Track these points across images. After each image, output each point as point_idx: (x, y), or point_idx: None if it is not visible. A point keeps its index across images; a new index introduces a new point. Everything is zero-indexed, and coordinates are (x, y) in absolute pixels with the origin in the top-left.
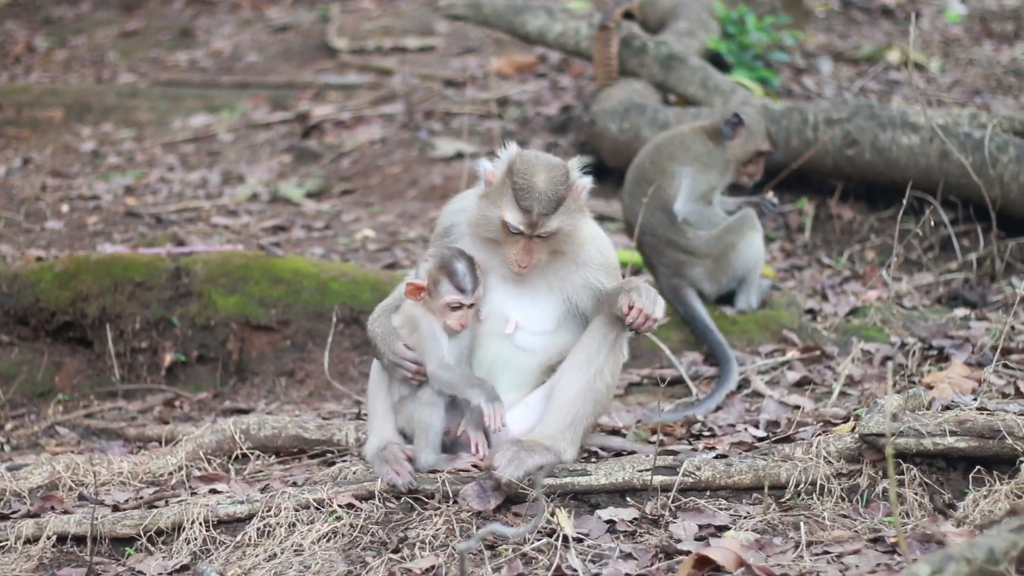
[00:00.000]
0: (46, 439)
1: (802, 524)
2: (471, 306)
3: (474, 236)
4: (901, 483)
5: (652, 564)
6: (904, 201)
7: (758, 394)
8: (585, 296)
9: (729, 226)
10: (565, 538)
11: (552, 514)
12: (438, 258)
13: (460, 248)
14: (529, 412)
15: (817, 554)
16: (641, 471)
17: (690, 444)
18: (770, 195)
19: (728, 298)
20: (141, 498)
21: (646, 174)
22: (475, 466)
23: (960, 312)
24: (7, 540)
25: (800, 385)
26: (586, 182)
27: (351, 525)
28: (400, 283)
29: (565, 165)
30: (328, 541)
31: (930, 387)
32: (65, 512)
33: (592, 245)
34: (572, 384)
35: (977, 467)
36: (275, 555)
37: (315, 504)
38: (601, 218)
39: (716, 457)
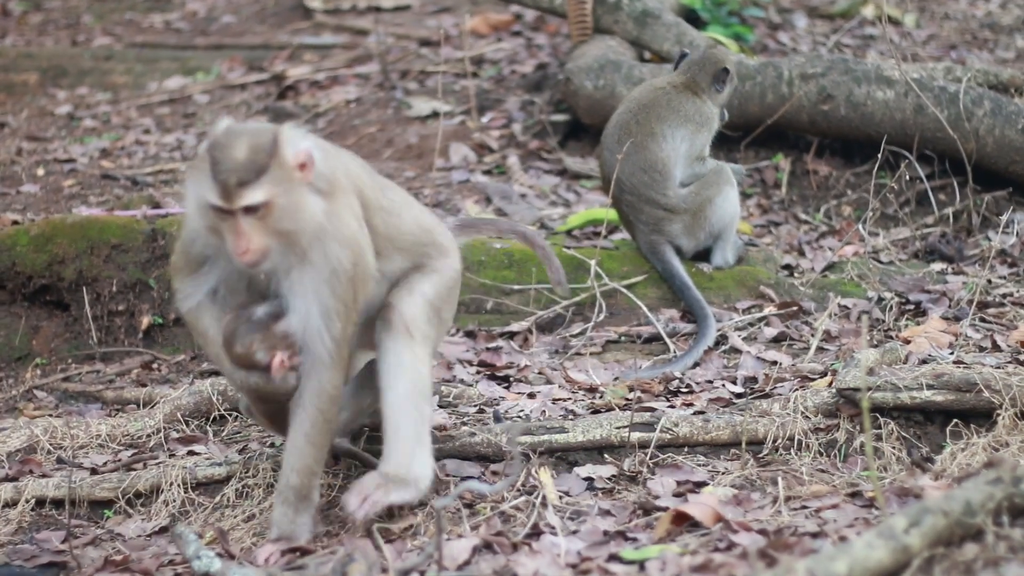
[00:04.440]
0: (24, 403)
1: (780, 479)
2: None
3: (204, 232)
4: (878, 437)
5: (630, 520)
6: (880, 156)
7: (736, 350)
8: (315, 312)
9: (705, 181)
10: (543, 495)
11: (536, 471)
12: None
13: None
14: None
15: (795, 509)
16: (619, 428)
17: (668, 401)
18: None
19: (704, 255)
20: (119, 461)
21: (632, 135)
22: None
23: (937, 266)
24: None
25: (777, 341)
26: (306, 150)
27: (329, 485)
28: None
29: (274, 131)
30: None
31: (907, 341)
32: (43, 476)
33: (325, 237)
34: (399, 413)
35: (954, 420)
36: (253, 516)
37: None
38: (577, 176)
39: (694, 413)
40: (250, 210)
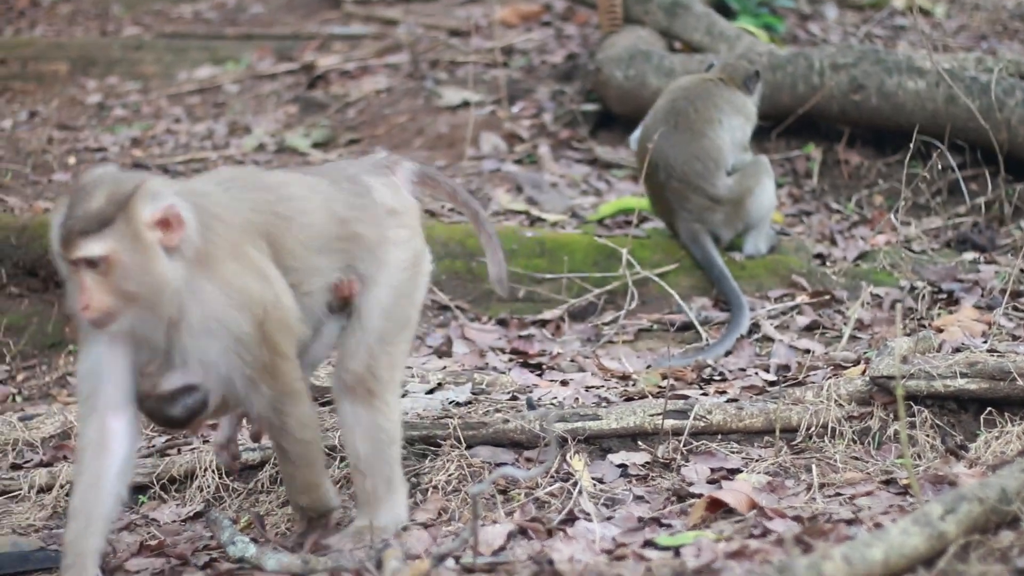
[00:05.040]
0: (57, 389)
1: (814, 467)
2: None
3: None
4: (912, 425)
5: (664, 507)
6: (911, 145)
7: (768, 339)
8: (237, 384)
9: (745, 172)
10: (577, 482)
11: (570, 457)
12: None
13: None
14: None
15: (829, 496)
16: (652, 415)
17: (701, 388)
18: None
19: (736, 243)
20: (153, 446)
21: (692, 123)
22: None
23: (969, 256)
24: (21, 489)
25: (810, 329)
26: (167, 208)
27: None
28: None
29: (136, 185)
30: (340, 487)
31: (940, 330)
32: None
33: (215, 307)
34: (366, 467)
35: (988, 409)
36: (288, 501)
37: (327, 450)
38: (608, 165)
39: (727, 401)
40: (91, 264)
